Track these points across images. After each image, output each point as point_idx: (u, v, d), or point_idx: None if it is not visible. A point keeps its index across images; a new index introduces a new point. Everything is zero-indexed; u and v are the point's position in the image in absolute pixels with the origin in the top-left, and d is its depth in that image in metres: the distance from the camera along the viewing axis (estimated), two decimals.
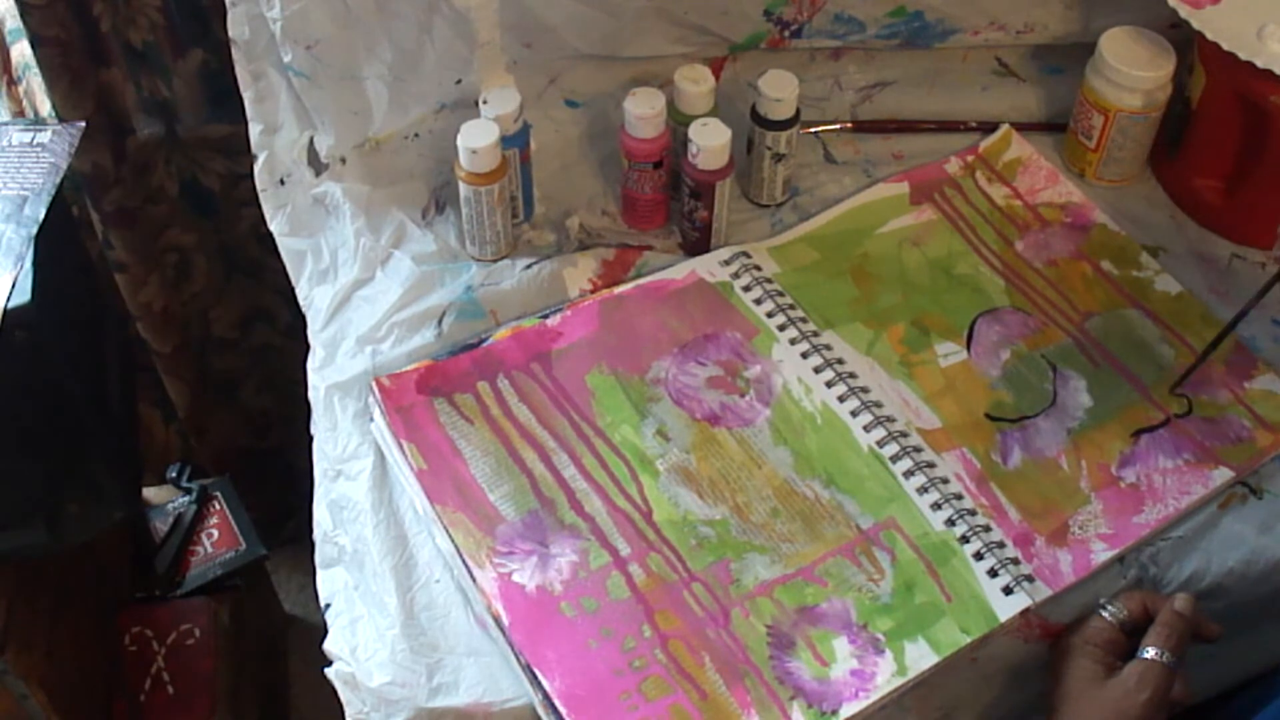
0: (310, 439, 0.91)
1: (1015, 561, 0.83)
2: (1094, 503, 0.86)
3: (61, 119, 1.14)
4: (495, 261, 0.98)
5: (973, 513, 0.85)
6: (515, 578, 0.81)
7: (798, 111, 0.98)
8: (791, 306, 0.95)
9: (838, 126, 1.08)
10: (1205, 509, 0.87)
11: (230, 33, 0.95)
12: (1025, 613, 0.81)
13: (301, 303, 0.99)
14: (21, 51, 1.17)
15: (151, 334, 1.34)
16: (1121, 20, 1.02)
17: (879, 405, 0.90)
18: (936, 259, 1.00)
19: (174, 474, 1.38)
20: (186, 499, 1.36)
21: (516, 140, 0.96)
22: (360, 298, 0.97)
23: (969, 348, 0.95)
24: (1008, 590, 0.81)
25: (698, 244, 0.99)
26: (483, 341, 0.92)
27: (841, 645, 0.79)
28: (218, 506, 1.37)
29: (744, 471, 0.87)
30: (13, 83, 1.20)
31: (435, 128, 1.05)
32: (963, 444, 0.89)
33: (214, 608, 1.29)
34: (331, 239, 1.00)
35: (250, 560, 1.34)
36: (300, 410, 0.93)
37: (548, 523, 0.84)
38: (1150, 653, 0.76)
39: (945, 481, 0.86)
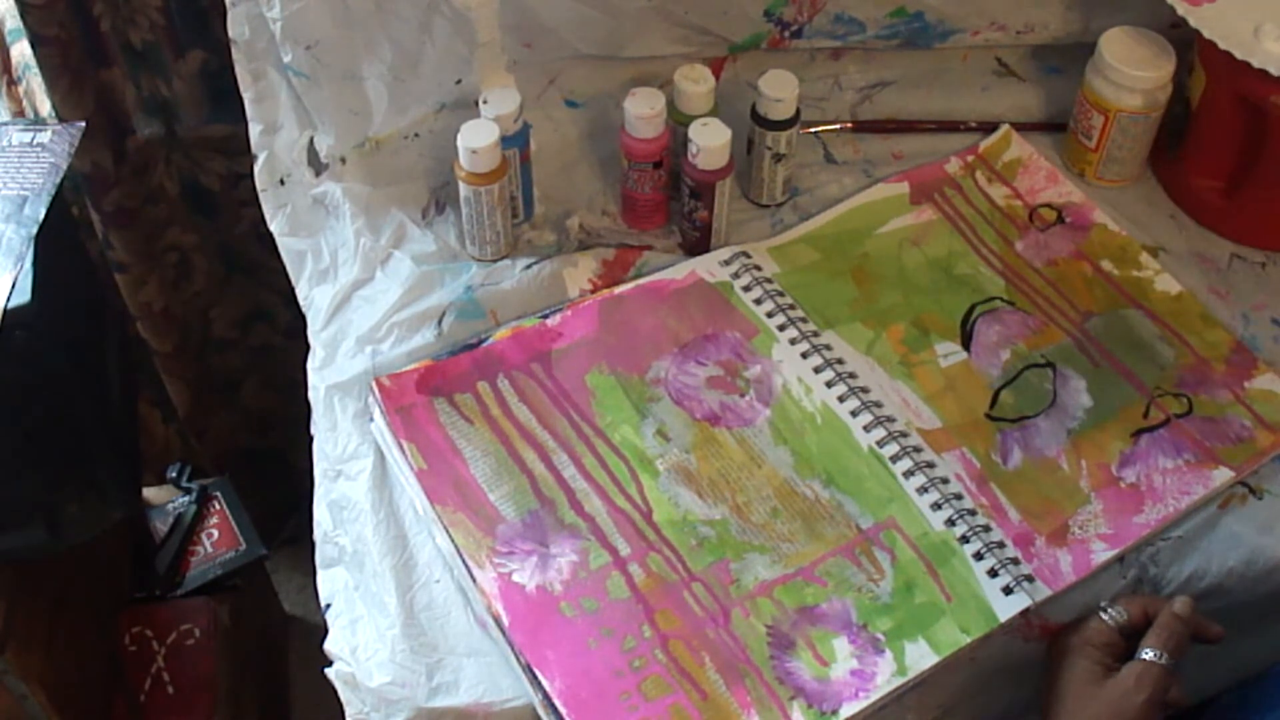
0: (310, 439, 0.91)
1: (1015, 561, 0.83)
2: (1094, 503, 0.86)
3: (61, 119, 1.14)
4: (495, 261, 0.98)
5: (973, 513, 0.85)
6: (515, 578, 0.81)
7: (798, 111, 0.98)
8: (791, 306, 0.95)
9: (838, 126, 1.08)
10: (1205, 509, 0.87)
11: (230, 33, 0.95)
12: (1025, 613, 0.81)
13: (301, 303, 0.99)
14: (21, 51, 1.17)
15: (151, 334, 1.34)
16: (1121, 20, 1.02)
17: (879, 405, 0.90)
18: (936, 259, 1.00)
19: (174, 474, 1.38)
20: (186, 499, 1.36)
21: (516, 140, 0.96)
22: (360, 298, 0.97)
23: (969, 348, 0.95)
24: (1008, 590, 0.81)
25: (698, 244, 0.99)
26: (483, 341, 0.92)
27: (841, 645, 0.79)
28: (218, 506, 1.37)
29: (744, 471, 0.87)
30: (13, 83, 1.20)
31: (435, 128, 1.05)
32: (963, 444, 0.89)
33: (214, 608, 1.29)
34: (331, 239, 1.00)
35: (250, 560, 1.34)
36: (300, 410, 0.93)
37: (548, 523, 0.84)
38: (1149, 654, 0.76)
39: (945, 481, 0.87)
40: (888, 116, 1.10)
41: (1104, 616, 0.79)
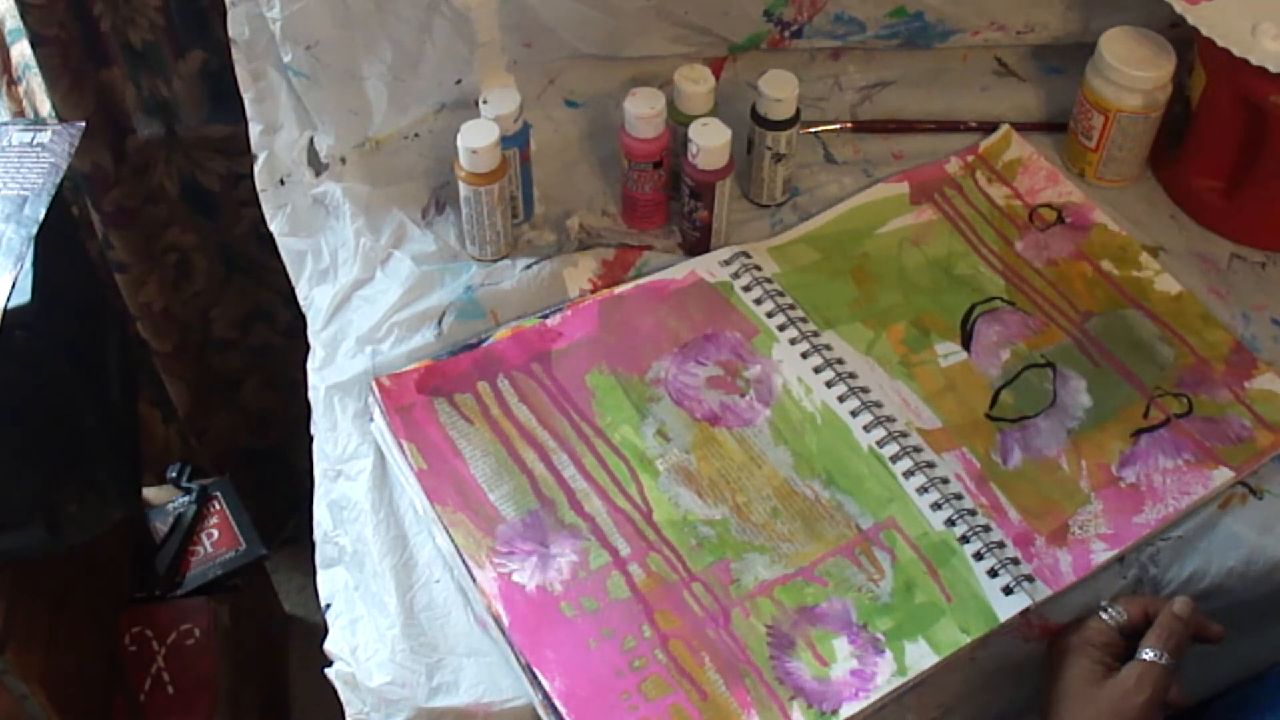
0: (310, 439, 0.91)
1: (1015, 561, 0.83)
2: (1094, 503, 0.86)
3: (61, 119, 1.14)
4: (495, 261, 0.98)
5: (973, 513, 0.85)
6: (515, 578, 0.81)
7: (798, 111, 0.98)
8: (791, 306, 0.95)
9: (838, 126, 1.08)
10: (1205, 509, 0.87)
11: (230, 33, 0.95)
12: (1025, 613, 0.81)
13: (301, 303, 0.99)
14: (21, 51, 1.17)
15: (151, 334, 1.34)
16: (1121, 20, 1.02)
17: (879, 405, 0.90)
18: (936, 259, 1.00)
19: (174, 474, 1.38)
20: (186, 499, 1.36)
21: (516, 140, 0.96)
22: (360, 298, 0.97)
23: (969, 348, 0.95)
24: (1008, 590, 0.81)
25: (698, 244, 0.99)
26: (483, 341, 0.92)
27: (841, 645, 0.79)
28: (218, 506, 1.37)
29: (744, 471, 0.87)
30: (13, 83, 1.20)
31: (435, 128, 1.05)
32: (963, 444, 0.89)
33: (214, 608, 1.29)
34: (331, 239, 1.00)
35: (250, 560, 1.34)
36: (300, 410, 0.93)
37: (548, 523, 0.84)
38: (1149, 654, 0.76)
39: (945, 481, 0.86)
40: (888, 116, 1.10)
41: (1104, 616, 0.79)
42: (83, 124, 1.06)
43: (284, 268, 1.00)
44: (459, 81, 1.03)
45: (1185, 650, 0.77)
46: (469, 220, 0.96)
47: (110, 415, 1.19)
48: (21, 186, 0.99)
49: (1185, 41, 0.99)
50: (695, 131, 0.94)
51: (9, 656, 1.03)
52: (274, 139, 1.00)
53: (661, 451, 0.88)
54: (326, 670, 0.81)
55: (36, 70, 1.13)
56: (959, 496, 0.86)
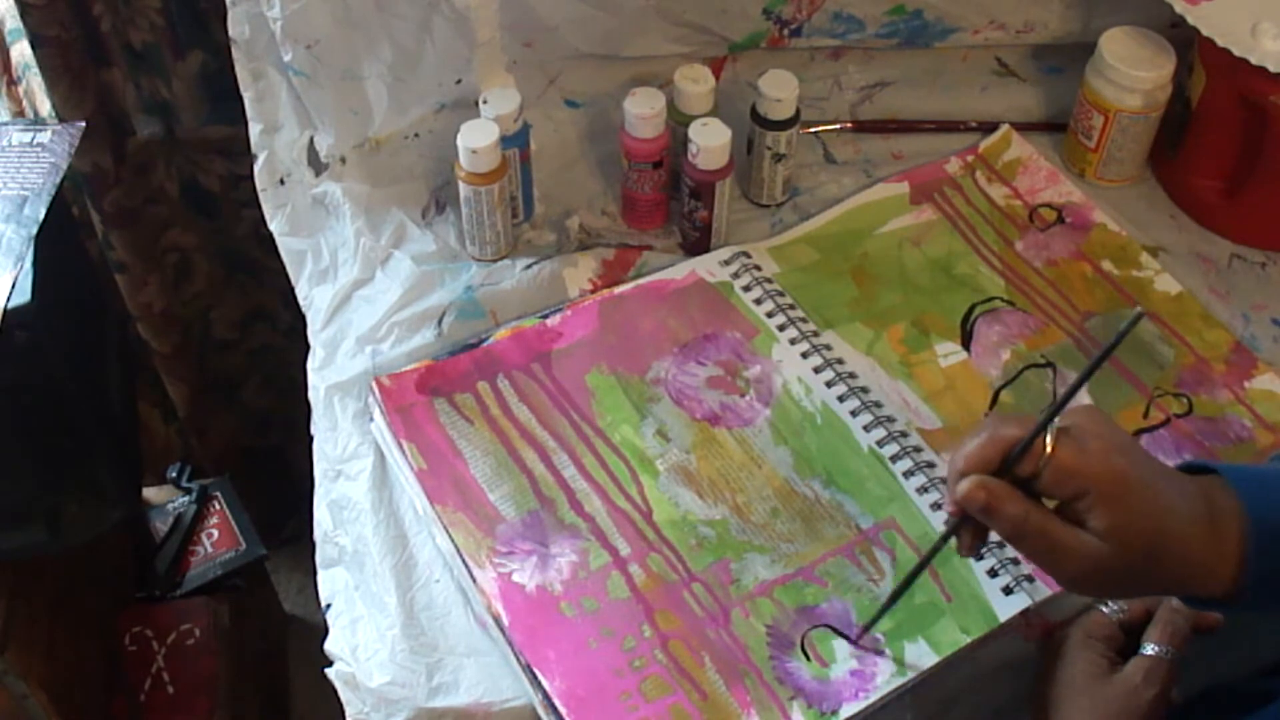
0: (310, 439, 0.91)
1: (1015, 561, 0.83)
2: None
3: (61, 119, 1.14)
4: (495, 261, 0.98)
5: None
6: (515, 578, 0.81)
7: (798, 111, 0.98)
8: (791, 306, 0.95)
9: (838, 126, 1.09)
10: None
11: (230, 32, 0.96)
12: (1025, 613, 0.81)
13: (301, 303, 0.99)
14: (21, 51, 1.17)
15: (151, 334, 1.34)
16: (1121, 20, 1.02)
17: (879, 405, 0.90)
18: (936, 259, 1.00)
19: (174, 474, 1.39)
20: (186, 499, 1.36)
21: (516, 140, 0.96)
22: (360, 298, 0.97)
23: (969, 348, 0.95)
24: (1008, 590, 0.81)
25: (698, 244, 0.99)
26: (483, 341, 0.92)
27: (841, 645, 0.79)
28: (218, 506, 1.37)
29: (744, 471, 0.87)
30: (13, 83, 1.20)
31: (435, 128, 1.05)
32: None
33: (214, 608, 1.29)
34: (331, 239, 1.00)
35: (250, 560, 1.34)
36: (300, 410, 0.93)
37: (548, 523, 0.84)
38: (1153, 649, 0.76)
39: (945, 481, 0.86)
40: (888, 116, 1.10)
41: (1105, 610, 0.79)
42: (83, 124, 1.06)
43: (284, 268, 1.00)
44: (459, 81, 1.03)
45: (1187, 643, 0.77)
46: (469, 220, 0.96)
47: (110, 415, 1.19)
48: (21, 186, 0.99)
49: (1185, 41, 0.99)
50: (695, 131, 0.94)
51: (9, 656, 1.03)
52: (274, 138, 1.00)
53: (661, 451, 0.88)
54: (326, 670, 0.81)
55: (36, 70, 1.13)
56: None
